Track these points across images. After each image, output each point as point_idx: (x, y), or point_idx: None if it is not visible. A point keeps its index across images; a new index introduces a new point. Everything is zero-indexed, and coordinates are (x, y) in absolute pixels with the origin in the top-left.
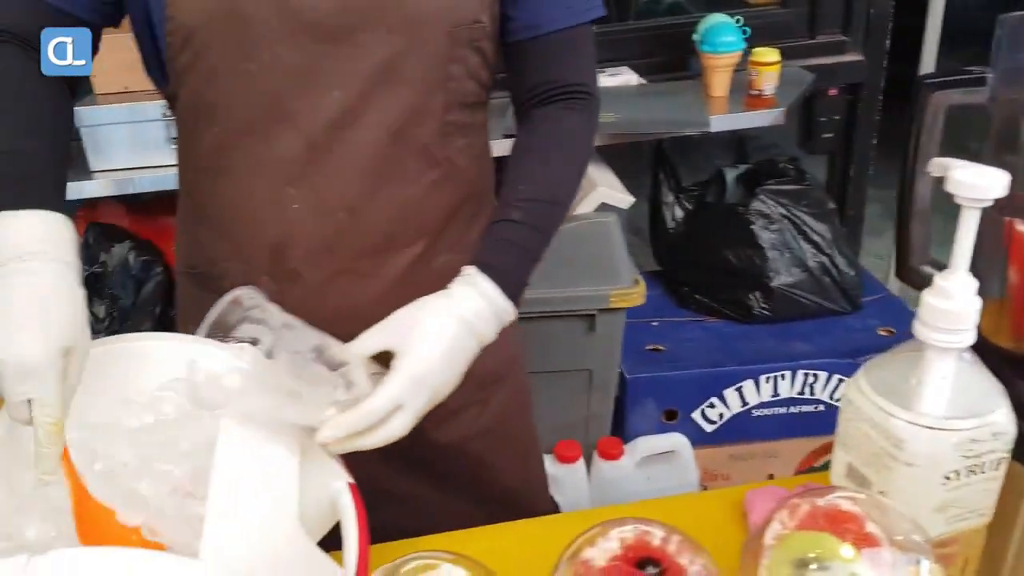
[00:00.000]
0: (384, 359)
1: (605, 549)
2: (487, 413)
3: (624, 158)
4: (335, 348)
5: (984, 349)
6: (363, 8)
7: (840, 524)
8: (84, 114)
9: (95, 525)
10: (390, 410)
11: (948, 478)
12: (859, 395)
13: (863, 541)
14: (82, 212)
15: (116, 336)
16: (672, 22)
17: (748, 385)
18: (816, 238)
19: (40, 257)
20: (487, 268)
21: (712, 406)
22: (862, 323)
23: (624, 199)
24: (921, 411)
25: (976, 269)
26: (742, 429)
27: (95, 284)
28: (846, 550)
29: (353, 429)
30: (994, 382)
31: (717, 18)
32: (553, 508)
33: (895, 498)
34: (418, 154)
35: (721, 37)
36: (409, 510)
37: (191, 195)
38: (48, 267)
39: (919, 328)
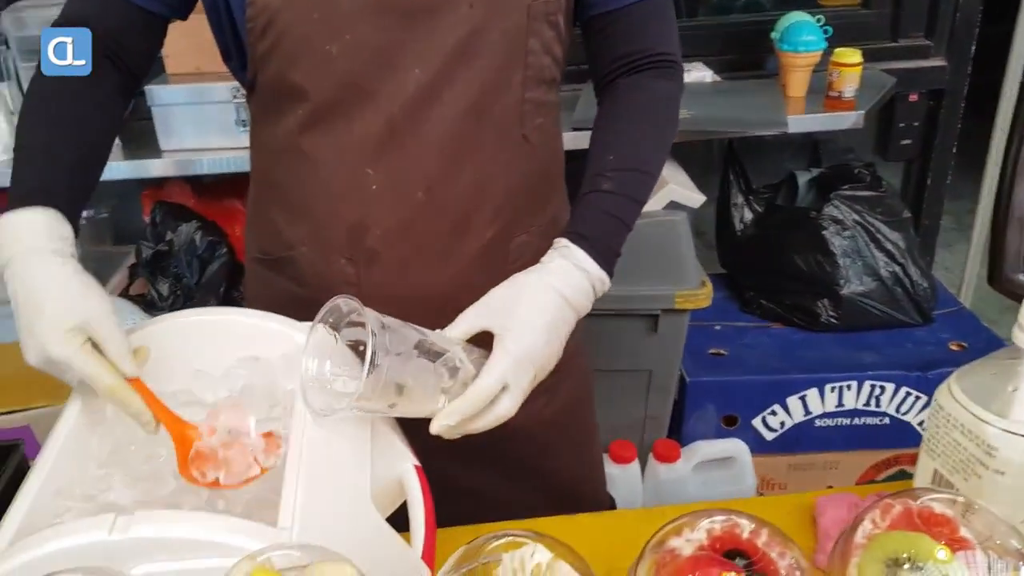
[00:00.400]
0: (485, 341)
1: (692, 540)
2: (555, 401)
3: (693, 157)
4: (433, 337)
5: None
6: None
7: (933, 526)
8: (155, 93)
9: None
10: (497, 391)
11: None
12: (951, 401)
13: (956, 544)
14: (149, 191)
15: (192, 310)
16: (749, 19)
17: (812, 394)
18: (889, 247)
19: (37, 252)
20: (581, 239)
21: (774, 413)
22: (933, 336)
23: (695, 198)
24: (1017, 419)
25: None
26: (803, 439)
27: (160, 262)
28: (941, 552)
29: (464, 415)
30: None
31: (798, 16)
32: (611, 502)
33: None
34: (496, 131)
35: (802, 36)
36: (472, 501)
37: (267, 179)
38: (38, 259)
39: (1018, 335)
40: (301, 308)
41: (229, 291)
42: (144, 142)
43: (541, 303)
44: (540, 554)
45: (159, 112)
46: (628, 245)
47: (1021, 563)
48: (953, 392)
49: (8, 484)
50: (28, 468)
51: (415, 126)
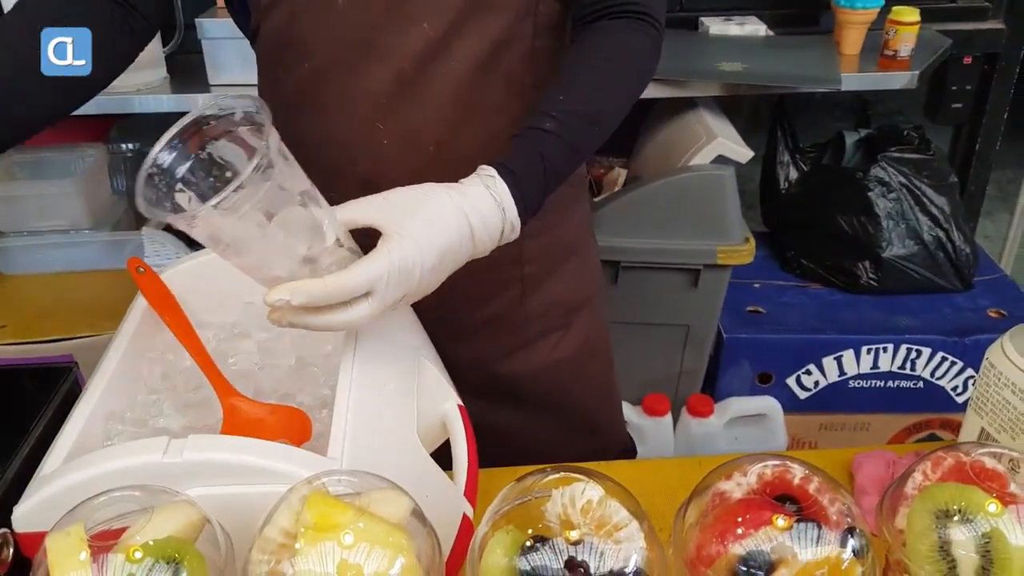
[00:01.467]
0: (369, 242)
1: (742, 483)
2: (568, 340)
3: (740, 112)
4: (323, 203)
5: None
6: None
7: (983, 480)
8: (205, 26)
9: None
10: (360, 292)
11: None
12: (1003, 359)
13: (1007, 498)
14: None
15: None
16: None
17: (848, 355)
18: (934, 211)
19: None
20: (508, 174)
21: (809, 373)
22: (972, 303)
23: (743, 152)
24: None
25: None
26: (836, 399)
27: None
28: (992, 505)
29: (311, 299)
30: None
31: None
32: (631, 444)
33: None
34: (506, 83)
35: None
36: (496, 439)
37: (277, 126)
38: None
39: None
40: None
41: None
42: (193, 76)
43: (444, 224)
44: (591, 491)
45: (208, 45)
46: (673, 198)
47: None
48: (1006, 350)
49: (60, 406)
50: (79, 392)
51: (425, 80)
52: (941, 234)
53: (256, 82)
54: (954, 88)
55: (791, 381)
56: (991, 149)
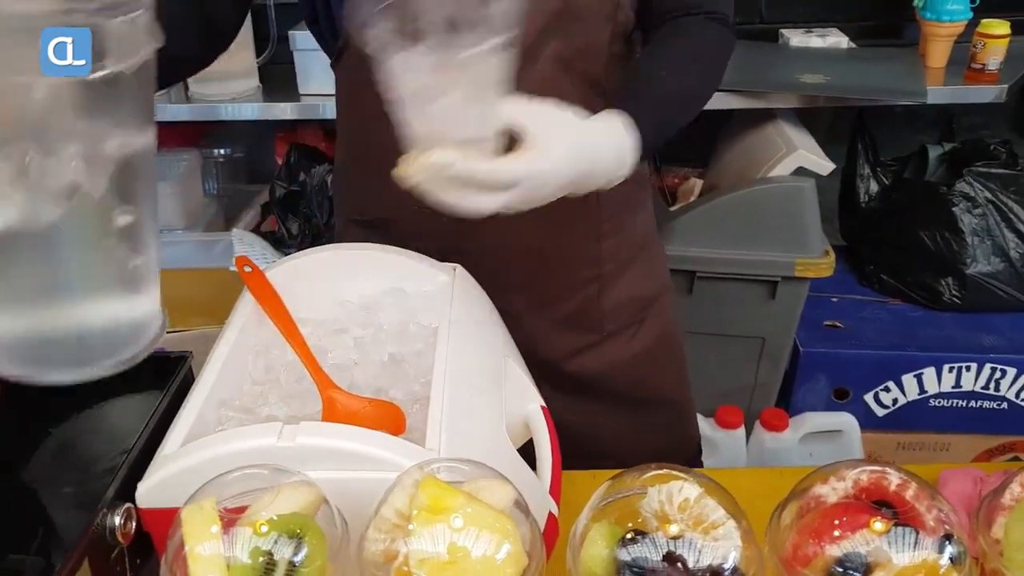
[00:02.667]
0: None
1: (838, 488)
2: (643, 335)
3: (819, 124)
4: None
5: None
6: None
7: None
8: (296, 39)
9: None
10: (508, 185)
11: None
12: None
13: None
14: (283, 133)
15: (335, 245)
16: None
17: (929, 372)
18: (1022, 227)
19: None
20: (644, 122)
21: (887, 390)
22: None
23: (824, 165)
24: None
25: None
26: (915, 418)
27: (291, 202)
28: None
29: (472, 174)
30: None
31: None
32: (699, 444)
33: None
34: (587, 86)
35: (947, 4)
36: (570, 436)
37: (363, 141)
38: None
39: None
40: None
41: None
42: (282, 85)
43: (587, 151)
44: (689, 489)
45: (299, 57)
46: (753, 208)
47: None
48: None
49: (176, 393)
50: (192, 381)
51: (513, 82)
52: None
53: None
54: None
55: (869, 398)
56: None
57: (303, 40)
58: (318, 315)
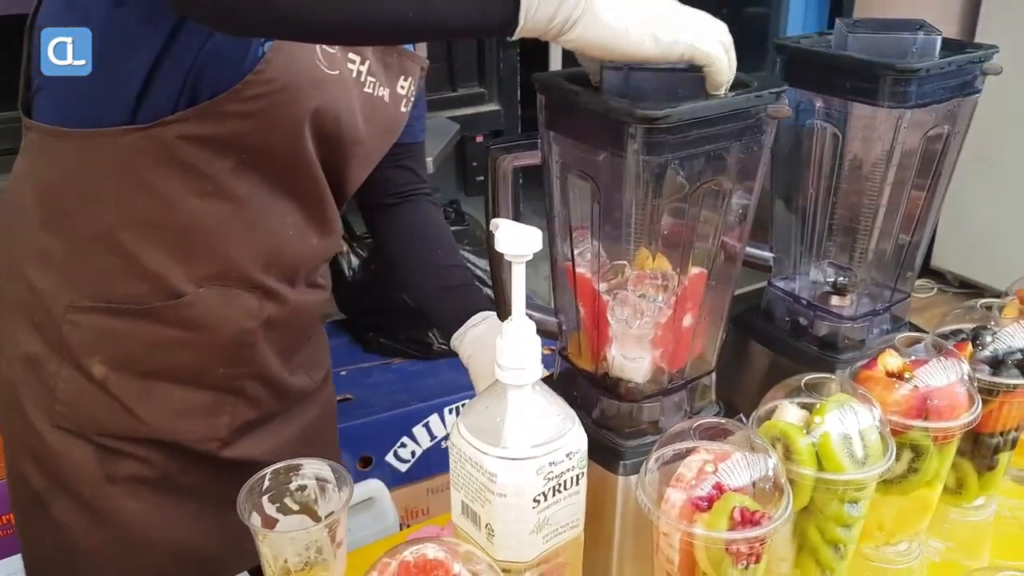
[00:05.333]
0: None
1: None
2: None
3: None
4: None
5: (573, 373)
6: None
7: (429, 572)
8: None
9: None
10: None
11: (537, 501)
12: (459, 439)
13: None
14: None
15: None
16: None
17: (434, 419)
18: (480, 274)
19: None
20: None
21: (404, 445)
22: None
23: None
24: (505, 445)
25: (559, 309)
26: (434, 463)
27: None
28: None
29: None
30: (565, 408)
31: None
32: None
33: (497, 528)
34: None
35: None
36: None
37: (132, 220)
38: None
39: (496, 370)
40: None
41: None
42: None
43: None
44: None
45: None
46: None
47: None
48: (460, 431)
49: None
50: None
51: None
52: (490, 292)
53: None
54: (475, 164)
55: (390, 458)
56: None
57: None
58: None
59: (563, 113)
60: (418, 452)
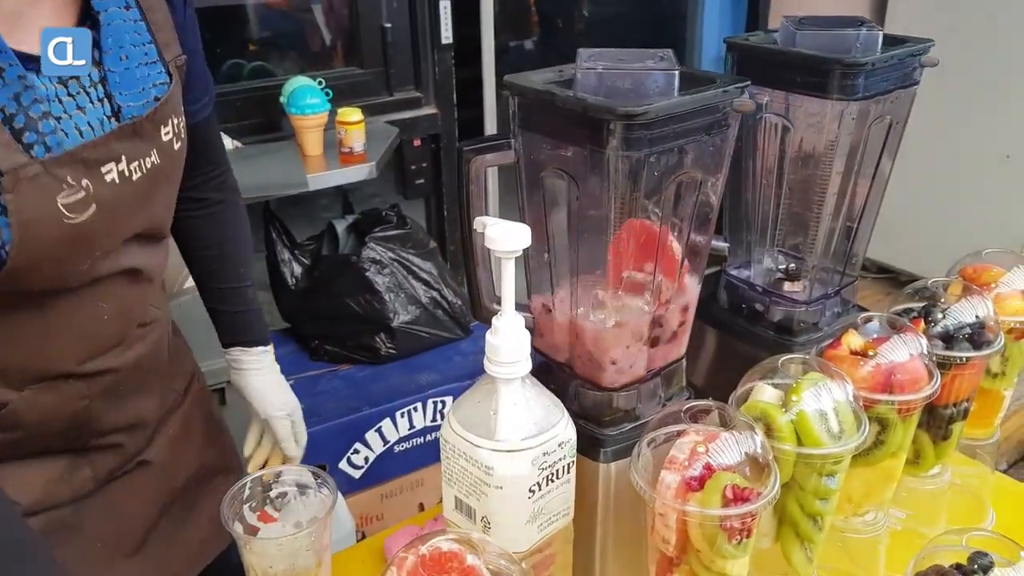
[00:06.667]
0: None
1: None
2: None
3: None
4: None
5: (549, 366)
6: None
7: (444, 564)
8: None
9: None
10: None
11: (532, 491)
12: (451, 433)
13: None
14: None
15: None
16: (259, 85)
17: (387, 424)
18: (425, 276)
19: None
20: None
21: (357, 452)
22: (475, 346)
23: None
24: (500, 437)
25: (533, 305)
26: (388, 467)
27: None
28: None
29: None
30: (554, 399)
31: (299, 81)
32: None
33: (494, 520)
34: None
35: (305, 99)
36: None
37: None
38: None
39: (487, 365)
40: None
41: None
42: None
43: None
44: None
45: None
46: None
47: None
48: (452, 425)
49: None
50: None
51: None
52: (435, 294)
53: None
54: (413, 167)
55: (343, 465)
56: (456, 212)
57: None
58: None
59: (538, 113)
60: (371, 458)
